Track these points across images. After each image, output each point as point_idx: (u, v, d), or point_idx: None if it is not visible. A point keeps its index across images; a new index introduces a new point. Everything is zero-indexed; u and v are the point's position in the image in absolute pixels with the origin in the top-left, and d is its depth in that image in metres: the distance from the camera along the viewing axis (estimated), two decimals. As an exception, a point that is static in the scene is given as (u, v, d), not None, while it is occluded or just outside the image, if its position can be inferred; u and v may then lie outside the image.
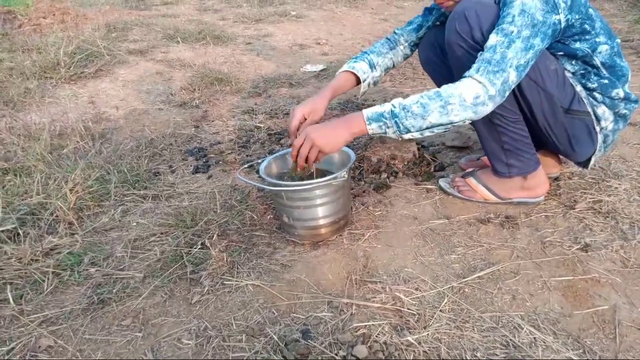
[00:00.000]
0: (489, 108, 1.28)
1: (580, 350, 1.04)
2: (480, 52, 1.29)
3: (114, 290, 1.32)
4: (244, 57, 3.73)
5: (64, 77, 3.00)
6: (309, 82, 3.24)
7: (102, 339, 1.17)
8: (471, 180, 1.64)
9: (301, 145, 1.35)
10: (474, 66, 1.28)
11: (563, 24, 1.31)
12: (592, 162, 1.54)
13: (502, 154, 1.52)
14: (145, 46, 3.75)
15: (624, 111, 1.45)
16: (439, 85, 1.72)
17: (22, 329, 1.21)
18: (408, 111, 1.28)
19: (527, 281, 1.26)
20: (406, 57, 1.83)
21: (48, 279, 1.37)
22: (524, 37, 1.26)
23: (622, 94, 1.42)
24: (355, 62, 1.70)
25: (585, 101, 1.44)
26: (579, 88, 1.44)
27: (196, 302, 1.27)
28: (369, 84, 1.73)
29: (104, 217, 1.66)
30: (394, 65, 1.81)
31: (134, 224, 1.63)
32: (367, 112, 1.33)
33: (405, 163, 1.89)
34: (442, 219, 1.55)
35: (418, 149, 1.99)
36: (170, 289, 1.32)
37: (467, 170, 1.73)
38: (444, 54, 1.65)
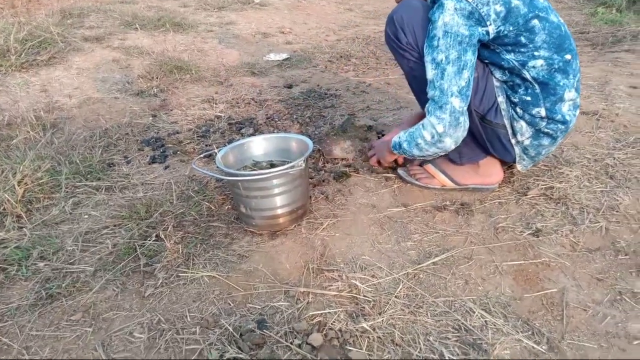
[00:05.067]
0: (447, 143, 1.40)
1: (529, 332, 1.07)
2: (427, 88, 1.39)
3: (64, 285, 1.28)
4: (206, 45, 3.65)
5: (14, 65, 2.86)
6: (272, 71, 3.21)
7: (50, 335, 1.13)
8: (430, 167, 1.66)
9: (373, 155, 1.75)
10: (426, 106, 1.42)
11: (492, 35, 1.32)
12: (519, 168, 1.56)
13: None
14: (102, 33, 3.62)
15: (546, 130, 1.41)
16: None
17: (-36, 327, 1.15)
18: (401, 146, 1.51)
19: (480, 266, 1.28)
20: None
21: (-7, 274, 1.31)
22: (453, 59, 1.31)
23: (543, 113, 1.38)
24: None
25: (504, 113, 1.44)
26: (500, 99, 1.43)
27: (149, 295, 1.24)
28: None
29: (54, 210, 1.60)
30: None
31: (86, 216, 1.58)
32: (392, 139, 1.57)
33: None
34: (399, 207, 1.57)
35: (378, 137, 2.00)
36: (122, 282, 1.29)
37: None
38: None
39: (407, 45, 1.43)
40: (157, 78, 2.86)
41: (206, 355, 1.05)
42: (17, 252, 1.39)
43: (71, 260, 1.37)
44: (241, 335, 1.09)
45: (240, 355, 1.03)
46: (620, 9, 4.53)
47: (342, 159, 1.89)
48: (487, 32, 1.31)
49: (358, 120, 2.22)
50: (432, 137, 1.39)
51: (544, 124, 1.40)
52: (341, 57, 3.51)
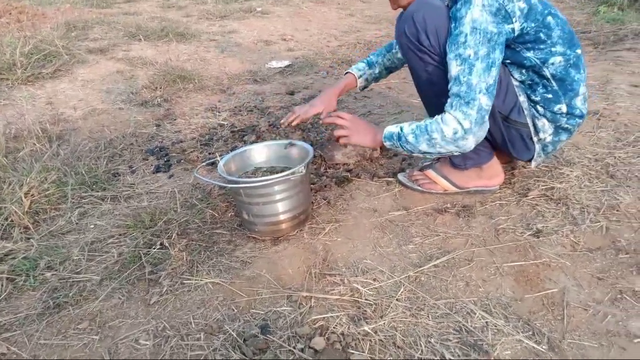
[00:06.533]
0: (469, 142, 1.34)
1: (530, 332, 1.08)
2: (449, 85, 1.34)
3: (71, 294, 1.30)
4: (208, 54, 3.69)
5: (20, 78, 2.91)
6: (274, 79, 3.23)
7: (58, 344, 1.15)
8: (430, 172, 1.66)
9: (339, 122, 1.54)
10: (449, 101, 1.34)
11: (517, 32, 1.32)
12: (533, 165, 1.58)
13: None
14: (106, 45, 3.67)
15: (566, 125, 1.44)
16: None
17: (-26, 337, 1.18)
18: (405, 140, 1.41)
19: (480, 267, 1.29)
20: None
21: (2, 285, 1.34)
22: (482, 56, 1.28)
23: (564, 109, 1.42)
24: (356, 64, 1.90)
25: (526, 112, 1.46)
26: (522, 98, 1.45)
27: (154, 303, 1.26)
28: (366, 79, 1.88)
29: (60, 220, 1.63)
30: (394, 64, 1.89)
31: (92, 226, 1.60)
32: (386, 129, 1.46)
33: (369, 160, 1.93)
34: (401, 211, 1.58)
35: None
36: (128, 290, 1.31)
37: (425, 164, 1.75)
38: None
39: (429, 49, 1.38)
40: (160, 88, 2.90)
41: (210, 360, 1.06)
42: (25, 262, 1.42)
43: (78, 270, 1.40)
44: (245, 340, 1.10)
45: (244, 360, 1.05)
46: (622, 8, 4.52)
47: (344, 164, 1.91)
48: (513, 30, 1.31)
49: (359, 125, 2.23)
50: (455, 133, 1.32)
51: (564, 120, 1.43)
52: (343, 62, 3.53)
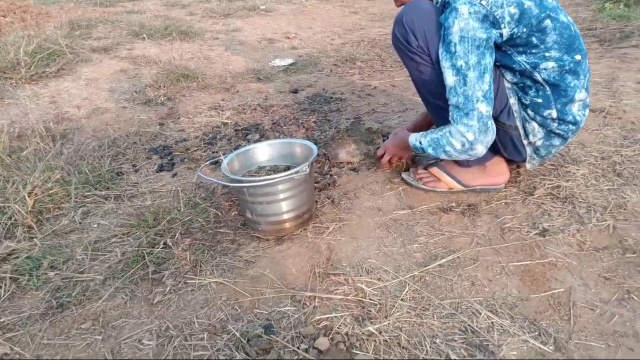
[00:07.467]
0: (478, 150, 1.38)
1: (536, 333, 1.07)
2: (447, 94, 1.36)
3: (74, 294, 1.30)
4: (212, 52, 3.69)
5: (24, 77, 2.92)
6: (277, 77, 3.22)
7: (61, 344, 1.15)
8: (435, 170, 1.65)
9: (383, 156, 1.75)
10: (450, 112, 1.38)
11: (506, 37, 1.31)
12: (528, 166, 1.57)
13: None
14: (109, 43, 3.67)
15: (558, 131, 1.41)
16: None
17: (-23, 337, 1.18)
18: (427, 151, 1.48)
19: (486, 267, 1.28)
20: None
21: (5, 284, 1.34)
22: (474, 64, 1.29)
23: (554, 115, 1.38)
24: None
25: (516, 115, 1.44)
26: (512, 100, 1.43)
27: (158, 302, 1.25)
28: None
29: (64, 220, 1.63)
30: None
31: (95, 225, 1.60)
32: (409, 139, 1.54)
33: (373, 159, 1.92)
34: (405, 210, 1.57)
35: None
36: (131, 290, 1.30)
37: (430, 162, 1.74)
38: None
39: (418, 49, 1.40)
40: (164, 87, 2.89)
41: (214, 361, 1.06)
42: (28, 262, 1.41)
43: (81, 269, 1.39)
44: (248, 340, 1.10)
45: (247, 361, 1.04)
46: (628, 4, 4.48)
47: (348, 163, 1.90)
48: (501, 35, 1.30)
49: (364, 124, 2.22)
50: (463, 145, 1.37)
51: (555, 125, 1.40)
52: (346, 60, 3.52)
